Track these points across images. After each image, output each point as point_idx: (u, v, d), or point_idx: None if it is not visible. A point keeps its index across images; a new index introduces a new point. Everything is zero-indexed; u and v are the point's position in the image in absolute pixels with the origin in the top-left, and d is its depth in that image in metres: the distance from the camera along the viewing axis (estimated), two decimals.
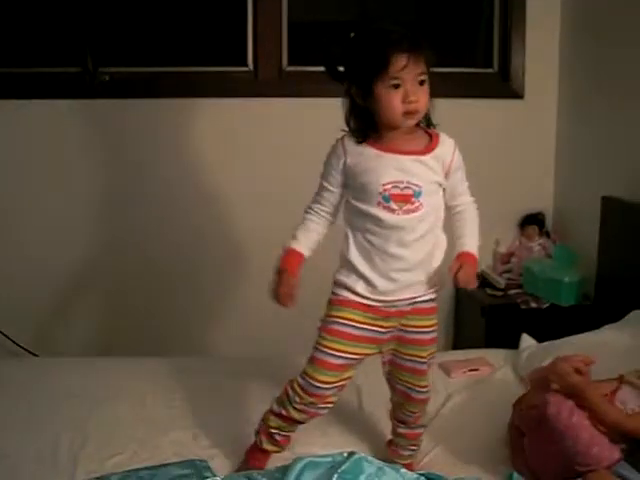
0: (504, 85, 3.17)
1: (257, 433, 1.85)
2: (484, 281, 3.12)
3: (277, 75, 3.04)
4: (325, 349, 1.75)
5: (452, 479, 1.58)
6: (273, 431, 1.82)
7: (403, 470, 1.56)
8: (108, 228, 3.00)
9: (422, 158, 1.71)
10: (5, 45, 2.90)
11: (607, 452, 1.61)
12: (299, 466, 1.45)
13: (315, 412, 1.80)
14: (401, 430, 1.90)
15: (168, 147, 2.98)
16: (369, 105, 1.69)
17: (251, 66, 3.04)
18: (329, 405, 1.81)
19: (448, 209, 1.80)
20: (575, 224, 3.17)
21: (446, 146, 1.75)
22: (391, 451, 1.92)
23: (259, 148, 3.03)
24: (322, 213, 1.79)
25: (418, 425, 1.90)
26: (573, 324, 2.54)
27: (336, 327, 1.75)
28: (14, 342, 2.94)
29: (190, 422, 2.04)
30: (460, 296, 3.23)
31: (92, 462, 1.82)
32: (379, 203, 1.69)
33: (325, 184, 1.77)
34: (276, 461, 1.78)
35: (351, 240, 1.75)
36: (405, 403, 1.86)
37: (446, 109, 3.01)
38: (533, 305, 2.93)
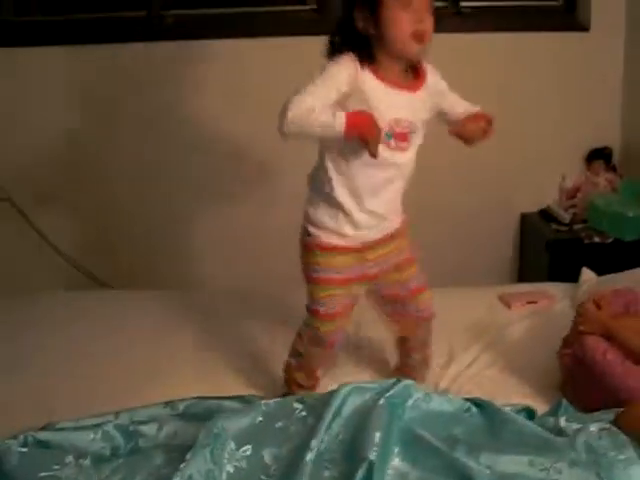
0: (569, 17, 3.08)
1: (286, 383, 1.91)
2: (549, 215, 3.12)
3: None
4: (321, 300, 1.77)
5: (501, 405, 1.64)
6: (300, 381, 1.88)
7: (451, 395, 1.64)
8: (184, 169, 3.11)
9: (418, 93, 1.70)
10: None
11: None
12: (345, 391, 1.52)
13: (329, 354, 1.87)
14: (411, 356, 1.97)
15: (231, 88, 3.04)
16: (371, 30, 1.62)
17: (314, 4, 3.05)
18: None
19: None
20: None
21: (431, 73, 1.74)
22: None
23: None
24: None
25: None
26: (636, 259, 2.54)
27: (327, 275, 1.77)
28: (91, 275, 3.11)
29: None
30: (525, 230, 3.24)
31: (165, 387, 1.91)
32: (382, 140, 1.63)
33: (324, 89, 1.60)
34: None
35: (335, 177, 1.71)
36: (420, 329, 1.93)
37: (511, 43, 2.99)
38: (597, 240, 2.91)
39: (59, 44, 2.96)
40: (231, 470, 1.41)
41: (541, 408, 1.72)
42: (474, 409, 1.60)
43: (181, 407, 1.68)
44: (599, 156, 3.16)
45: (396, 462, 1.42)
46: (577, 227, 3.02)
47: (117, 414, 1.63)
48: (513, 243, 3.29)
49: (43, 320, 2.30)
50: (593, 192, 3.09)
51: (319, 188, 1.74)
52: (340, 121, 1.56)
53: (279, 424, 1.51)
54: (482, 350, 2.13)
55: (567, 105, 3.14)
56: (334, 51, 1.66)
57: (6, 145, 3.04)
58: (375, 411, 1.47)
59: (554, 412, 1.63)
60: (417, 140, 1.74)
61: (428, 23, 1.62)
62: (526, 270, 3.24)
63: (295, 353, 1.88)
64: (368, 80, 1.64)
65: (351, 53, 1.64)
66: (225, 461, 1.41)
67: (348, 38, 1.65)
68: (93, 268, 3.14)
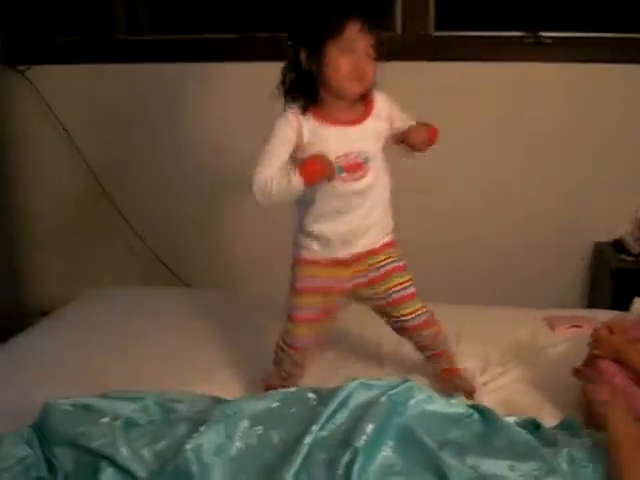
0: None
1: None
2: (620, 246, 3.16)
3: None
4: (295, 305, 1.95)
5: (506, 414, 1.75)
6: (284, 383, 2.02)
7: (453, 400, 1.76)
8: None
9: (365, 123, 1.83)
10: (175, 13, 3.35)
11: None
12: (352, 386, 1.67)
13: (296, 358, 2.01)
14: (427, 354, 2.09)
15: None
16: (315, 70, 1.75)
17: (399, 30, 3.21)
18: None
19: None
20: None
21: (380, 101, 1.85)
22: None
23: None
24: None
25: (437, 344, 2.07)
26: None
27: (302, 285, 1.94)
28: (170, 270, 3.41)
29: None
30: (596, 258, 3.28)
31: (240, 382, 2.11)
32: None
33: (276, 152, 1.79)
34: None
35: (304, 204, 1.89)
36: (412, 335, 2.04)
37: (592, 73, 3.05)
38: None
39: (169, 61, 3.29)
40: (241, 446, 1.58)
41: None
42: (476, 415, 1.72)
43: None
44: None
45: (387, 452, 1.55)
46: None
47: (160, 393, 1.84)
48: (584, 271, 3.33)
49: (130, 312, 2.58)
50: None
51: (298, 212, 1.94)
52: (296, 179, 1.74)
53: (293, 409, 1.69)
54: (515, 365, 2.22)
55: None
56: (285, 87, 1.82)
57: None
58: (375, 406, 1.62)
59: (558, 426, 1.73)
60: (374, 164, 1.87)
61: (367, 67, 1.74)
62: (594, 298, 3.27)
63: (275, 360, 2.05)
64: (311, 125, 1.80)
65: (293, 105, 1.80)
66: (237, 437, 1.59)
67: (296, 74, 1.80)
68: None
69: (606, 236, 3.25)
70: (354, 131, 1.83)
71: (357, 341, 2.36)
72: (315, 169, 1.76)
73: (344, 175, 1.83)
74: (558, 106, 3.15)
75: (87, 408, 1.69)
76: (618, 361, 1.85)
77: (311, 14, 1.76)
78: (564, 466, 1.52)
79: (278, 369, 2.05)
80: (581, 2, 3.27)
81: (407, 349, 2.18)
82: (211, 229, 3.44)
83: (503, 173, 3.23)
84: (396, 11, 3.17)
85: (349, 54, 1.73)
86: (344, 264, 1.95)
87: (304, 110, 1.80)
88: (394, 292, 1.99)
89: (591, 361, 1.92)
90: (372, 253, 1.96)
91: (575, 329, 2.45)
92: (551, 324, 2.49)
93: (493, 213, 3.28)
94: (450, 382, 2.07)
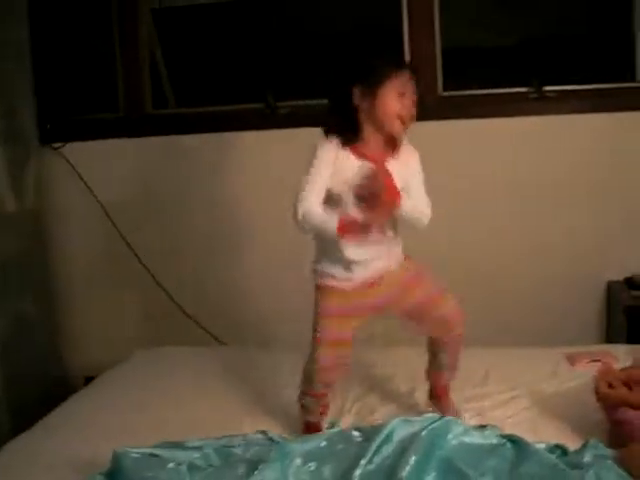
0: None
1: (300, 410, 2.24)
2: (633, 283, 3.31)
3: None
4: (319, 327, 2.13)
5: (536, 444, 1.89)
6: (307, 405, 2.22)
7: (488, 432, 1.91)
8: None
9: (390, 162, 2.06)
10: (198, 86, 3.61)
11: None
12: (394, 423, 1.83)
13: (330, 382, 2.19)
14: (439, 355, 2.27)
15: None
16: (366, 106, 2.01)
17: None
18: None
19: None
20: None
21: (407, 152, 2.11)
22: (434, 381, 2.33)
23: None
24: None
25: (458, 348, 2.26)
26: None
27: (325, 309, 2.14)
28: (206, 331, 3.57)
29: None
30: (611, 296, 3.43)
31: None
32: (354, 204, 2.01)
33: (318, 177, 2.02)
34: None
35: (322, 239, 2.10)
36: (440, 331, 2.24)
37: (596, 123, 3.24)
38: None
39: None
40: None
41: None
42: (508, 444, 1.87)
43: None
44: None
45: None
46: None
47: (218, 439, 2.00)
48: (600, 309, 3.49)
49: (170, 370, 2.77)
50: None
51: (318, 242, 2.16)
52: (332, 229, 2.02)
53: (340, 446, 1.84)
54: (539, 399, 2.37)
55: None
56: (329, 120, 2.07)
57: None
58: (417, 439, 1.77)
59: (583, 449, 1.88)
60: None
61: (412, 110, 2.02)
62: (611, 335, 3.42)
63: (302, 382, 2.24)
64: (345, 158, 2.04)
65: (335, 135, 2.03)
66: (291, 474, 1.75)
67: (341, 110, 2.05)
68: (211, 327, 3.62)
69: (619, 275, 3.40)
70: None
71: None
72: (351, 231, 2.03)
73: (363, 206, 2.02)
74: (564, 154, 3.34)
75: (152, 455, 1.85)
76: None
77: (373, 60, 2.07)
78: None
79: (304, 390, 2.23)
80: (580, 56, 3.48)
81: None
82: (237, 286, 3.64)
83: (517, 221, 3.41)
84: None
85: (400, 96, 2.00)
86: (360, 288, 2.13)
87: (344, 144, 2.04)
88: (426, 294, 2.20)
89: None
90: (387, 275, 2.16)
91: (594, 363, 2.60)
92: (571, 360, 2.64)
93: (508, 261, 3.44)
94: (441, 400, 2.31)
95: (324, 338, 2.13)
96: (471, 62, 3.45)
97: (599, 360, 2.61)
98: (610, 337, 3.39)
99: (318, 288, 2.16)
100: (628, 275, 3.36)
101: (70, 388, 3.22)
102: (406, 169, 2.09)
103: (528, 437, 1.95)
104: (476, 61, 3.45)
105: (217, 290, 3.64)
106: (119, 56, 3.59)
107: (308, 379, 2.20)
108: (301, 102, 3.48)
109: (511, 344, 2.97)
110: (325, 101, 2.13)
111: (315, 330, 2.15)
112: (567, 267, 3.43)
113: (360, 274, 2.12)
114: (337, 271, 2.12)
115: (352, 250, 2.08)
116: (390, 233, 2.14)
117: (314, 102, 3.45)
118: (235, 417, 2.32)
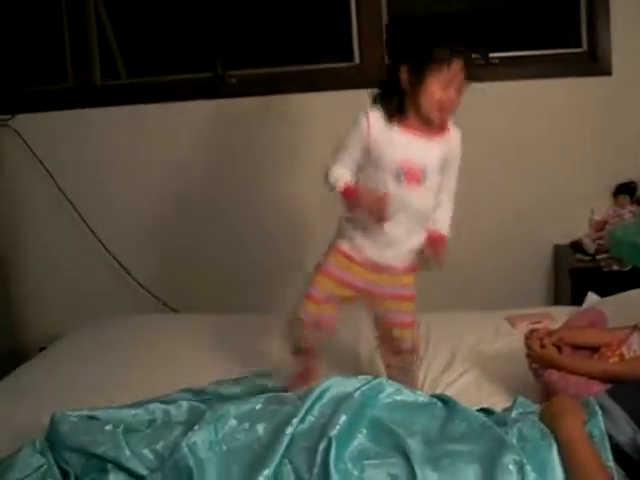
0: (593, 64, 3.36)
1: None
2: (579, 247, 3.38)
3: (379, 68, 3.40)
4: (314, 285, 2.16)
5: (463, 405, 1.94)
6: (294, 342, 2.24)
7: (419, 391, 1.97)
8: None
9: (435, 141, 2.03)
10: (148, 56, 3.59)
11: (584, 389, 1.92)
12: (328, 382, 1.87)
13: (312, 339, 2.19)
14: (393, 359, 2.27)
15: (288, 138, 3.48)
16: (411, 91, 1.96)
17: (357, 60, 3.45)
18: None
19: None
20: None
21: (455, 137, 2.08)
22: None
23: None
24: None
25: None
26: None
27: (327, 268, 2.15)
28: (158, 299, 3.60)
29: None
30: (557, 260, 3.51)
31: None
32: (392, 177, 2.01)
33: (347, 153, 2.04)
34: None
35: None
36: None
37: (540, 89, 3.32)
38: (615, 268, 3.15)
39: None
40: (230, 441, 1.77)
41: None
42: (439, 403, 1.92)
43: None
44: (625, 190, 3.40)
45: (361, 439, 1.75)
46: (600, 257, 3.26)
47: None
48: (546, 272, 3.56)
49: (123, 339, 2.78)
50: (618, 224, 3.34)
51: (340, 223, 2.18)
52: (339, 191, 2.04)
53: (274, 407, 1.88)
54: (476, 362, 2.43)
55: (594, 145, 3.42)
56: (379, 97, 2.03)
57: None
58: (348, 399, 1.81)
59: (510, 408, 1.94)
60: (429, 183, 2.06)
61: (457, 101, 1.96)
62: (557, 297, 3.50)
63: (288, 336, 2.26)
64: (389, 128, 2.00)
65: (381, 107, 2.00)
66: (226, 434, 1.79)
67: (390, 84, 2.00)
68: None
69: (565, 239, 3.48)
70: (422, 143, 2.02)
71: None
72: (354, 202, 2.05)
73: (402, 180, 2.02)
74: (513, 122, 3.40)
75: (91, 418, 1.88)
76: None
77: (423, 42, 1.94)
78: (514, 441, 1.72)
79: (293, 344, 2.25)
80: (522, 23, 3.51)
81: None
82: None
83: (463, 187, 3.44)
84: None
85: (446, 87, 1.93)
86: (367, 267, 2.14)
87: (389, 118, 2.00)
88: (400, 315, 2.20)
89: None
90: (389, 270, 2.16)
91: (535, 324, 2.66)
92: (512, 322, 2.70)
93: (455, 224, 3.49)
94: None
95: (312, 295, 2.16)
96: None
97: (540, 322, 2.68)
98: (557, 300, 3.47)
99: (331, 247, 2.17)
100: (575, 239, 3.44)
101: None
102: (448, 148, 2.07)
103: (465, 398, 2.01)
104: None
105: (169, 258, 3.67)
106: (66, 26, 3.56)
107: (292, 331, 2.22)
108: (250, 71, 3.48)
109: (459, 308, 3.04)
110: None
111: (309, 285, 2.16)
112: (514, 231, 3.50)
113: (374, 254, 2.12)
114: (360, 241, 2.12)
115: (386, 229, 2.07)
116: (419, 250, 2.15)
117: (263, 71, 3.49)
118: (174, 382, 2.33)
